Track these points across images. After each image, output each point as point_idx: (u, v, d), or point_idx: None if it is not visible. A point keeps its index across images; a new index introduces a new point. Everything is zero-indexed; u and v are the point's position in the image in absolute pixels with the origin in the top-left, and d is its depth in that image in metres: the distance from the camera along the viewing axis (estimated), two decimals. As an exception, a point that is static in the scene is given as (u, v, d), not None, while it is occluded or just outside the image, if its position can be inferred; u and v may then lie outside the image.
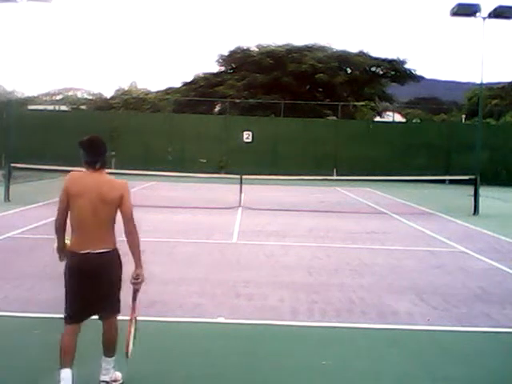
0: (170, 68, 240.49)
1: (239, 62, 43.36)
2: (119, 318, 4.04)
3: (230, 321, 5.69)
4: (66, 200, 3.84)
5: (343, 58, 42.54)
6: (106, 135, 29.93)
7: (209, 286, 6.98)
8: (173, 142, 29.99)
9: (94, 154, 3.88)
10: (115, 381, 4.04)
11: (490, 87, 42.45)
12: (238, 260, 8.68)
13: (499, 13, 19.96)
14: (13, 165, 16.38)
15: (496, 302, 6.73)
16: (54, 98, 42.85)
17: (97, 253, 3.80)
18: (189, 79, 45.16)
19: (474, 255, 9.65)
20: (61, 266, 4.05)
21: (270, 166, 27.72)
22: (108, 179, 3.90)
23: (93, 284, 3.80)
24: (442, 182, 26.51)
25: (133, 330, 3.97)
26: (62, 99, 41.82)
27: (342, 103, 35.00)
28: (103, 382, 3.99)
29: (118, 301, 3.97)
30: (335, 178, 25.98)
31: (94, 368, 4.02)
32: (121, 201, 3.82)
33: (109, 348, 3.99)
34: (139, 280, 3.89)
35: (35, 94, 42.73)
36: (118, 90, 42.22)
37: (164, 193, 19.52)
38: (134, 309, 4.02)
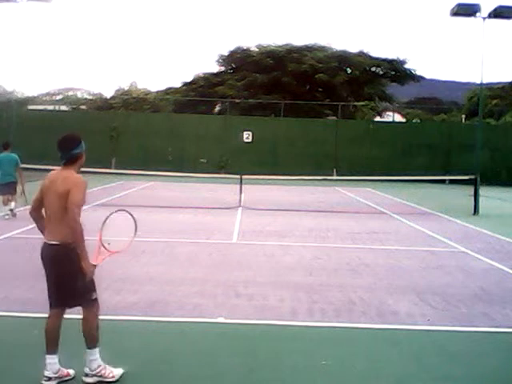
0: (170, 68, 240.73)
1: (239, 62, 43.38)
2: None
3: (229, 321, 5.68)
4: (40, 195, 4.13)
5: (343, 58, 42.57)
6: (105, 135, 30.05)
7: (209, 286, 6.98)
8: (173, 142, 29.98)
9: (60, 151, 4.11)
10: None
11: (490, 87, 42.47)
12: (238, 260, 8.68)
13: (499, 13, 20.01)
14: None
15: (496, 301, 6.73)
16: (54, 97, 42.81)
17: (49, 244, 4.01)
18: (189, 79, 45.29)
19: (474, 255, 9.64)
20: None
21: (270, 166, 27.73)
22: (66, 175, 4.06)
23: (47, 274, 4.08)
24: (442, 181, 26.50)
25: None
26: (62, 99, 41.80)
27: (342, 103, 34.98)
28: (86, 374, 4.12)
29: (81, 295, 4.04)
30: (335, 178, 26.00)
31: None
32: (68, 194, 3.95)
33: (84, 338, 4.12)
34: (85, 273, 3.96)
35: (35, 94, 42.76)
36: (117, 90, 42.23)
37: (164, 193, 19.52)
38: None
